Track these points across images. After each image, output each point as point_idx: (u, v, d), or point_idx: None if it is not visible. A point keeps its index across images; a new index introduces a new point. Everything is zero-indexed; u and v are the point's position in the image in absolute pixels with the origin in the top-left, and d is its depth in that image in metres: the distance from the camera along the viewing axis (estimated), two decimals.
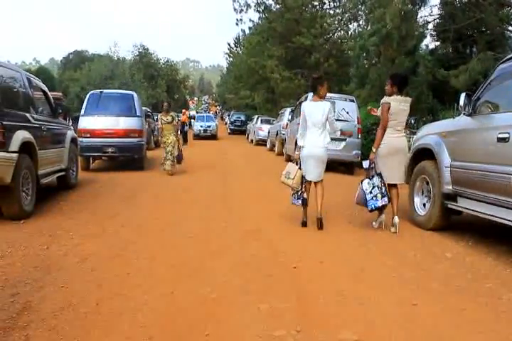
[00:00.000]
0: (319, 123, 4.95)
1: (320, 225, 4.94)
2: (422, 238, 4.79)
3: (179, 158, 9.84)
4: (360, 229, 5.09)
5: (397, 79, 4.97)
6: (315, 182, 5.09)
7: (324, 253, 4.10)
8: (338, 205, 6.23)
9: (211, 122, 26.41)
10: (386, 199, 4.86)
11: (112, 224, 4.97)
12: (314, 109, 4.97)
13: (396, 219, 4.92)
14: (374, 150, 4.92)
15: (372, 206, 4.88)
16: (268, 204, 6.51)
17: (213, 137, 25.59)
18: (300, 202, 5.13)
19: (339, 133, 5.09)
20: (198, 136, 25.16)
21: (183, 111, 25.87)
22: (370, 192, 4.87)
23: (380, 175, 4.89)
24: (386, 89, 5.01)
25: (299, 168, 5.11)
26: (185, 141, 20.61)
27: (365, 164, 5.09)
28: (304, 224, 5.04)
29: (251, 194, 7.37)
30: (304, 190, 5.11)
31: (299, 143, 5.14)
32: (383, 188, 4.87)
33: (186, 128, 22.52)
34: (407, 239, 4.75)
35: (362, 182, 4.96)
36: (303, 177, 5.09)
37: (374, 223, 5.13)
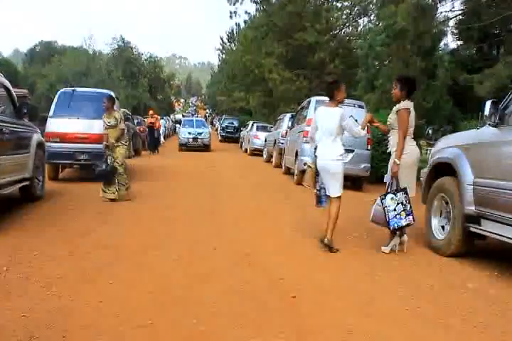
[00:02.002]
0: (329, 131, 5.08)
1: (330, 250, 5.02)
2: (440, 265, 4.81)
3: (107, 177, 7.78)
4: (369, 253, 5.11)
5: (407, 82, 5.13)
6: (331, 199, 5.16)
7: (328, 281, 4.10)
8: (345, 226, 6.25)
9: (203, 128, 23.66)
10: (411, 218, 4.97)
11: (84, 244, 4.94)
12: (326, 115, 5.13)
13: (405, 237, 5.13)
14: (398, 161, 4.99)
15: (395, 225, 4.96)
16: (264, 223, 6.52)
17: (205, 148, 23.01)
18: (324, 203, 5.25)
19: (364, 133, 5.19)
20: (184, 146, 22.74)
21: (150, 112, 22.69)
22: (394, 209, 4.95)
23: (405, 190, 5.00)
24: (393, 94, 5.18)
25: (309, 166, 5.31)
26: (152, 149, 20.55)
27: (387, 178, 5.20)
28: (326, 245, 5.07)
29: (244, 212, 7.38)
30: (319, 188, 5.24)
31: (309, 146, 5.46)
32: (408, 205, 4.99)
33: (158, 133, 21.85)
34: (422, 266, 4.77)
35: (383, 197, 5.02)
36: (318, 174, 5.23)
37: (385, 247, 5.16)
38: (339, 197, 5.14)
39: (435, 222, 5.44)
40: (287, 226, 6.29)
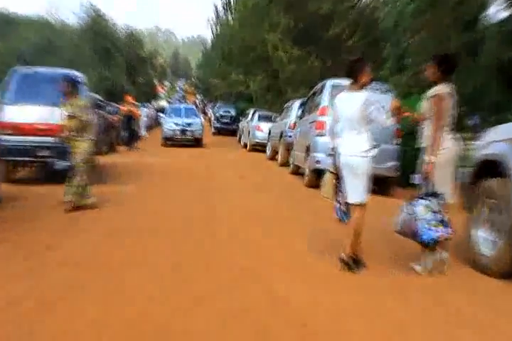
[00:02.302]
0: (352, 121, 5.07)
1: (345, 267, 5.02)
2: (487, 289, 4.80)
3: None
4: (397, 273, 5.10)
5: (444, 60, 5.15)
6: (352, 207, 5.13)
7: (346, 306, 4.10)
8: (367, 238, 6.23)
9: (193, 118, 23.30)
10: (449, 230, 4.91)
11: (48, 260, 4.95)
12: (347, 102, 5.13)
13: (445, 254, 5.04)
14: (432, 159, 4.98)
15: (428, 239, 4.91)
16: (268, 234, 6.52)
17: (196, 143, 22.74)
18: (348, 218, 5.23)
19: (390, 123, 5.16)
20: (170, 140, 22.56)
21: (127, 98, 22.35)
22: (427, 220, 4.91)
23: (441, 195, 4.98)
24: (427, 75, 5.21)
25: (330, 172, 5.34)
26: (128, 144, 20.52)
27: (417, 179, 5.19)
28: (353, 261, 5.08)
29: (244, 220, 7.38)
30: (341, 200, 5.25)
31: (331, 144, 5.46)
32: (445, 215, 4.94)
33: (136, 124, 21.70)
34: (464, 289, 4.76)
35: (412, 203, 5.02)
36: (339, 183, 5.27)
37: (416, 266, 5.15)
38: (363, 205, 5.06)
39: (480, 235, 5.41)
40: (296, 238, 6.29)
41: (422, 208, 4.95)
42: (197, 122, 23.02)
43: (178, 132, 22.41)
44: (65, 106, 7.87)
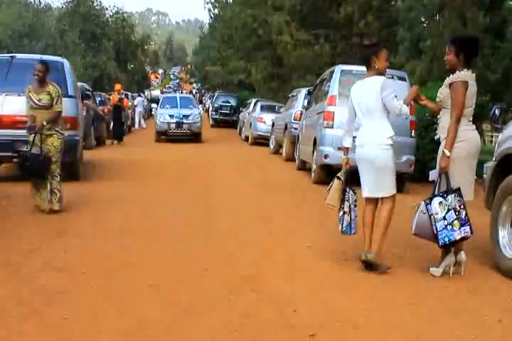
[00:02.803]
0: (371, 110, 5.09)
1: (370, 268, 5.06)
2: (510, 293, 4.80)
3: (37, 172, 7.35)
4: (414, 277, 5.10)
5: (464, 43, 5.11)
6: (381, 200, 5.19)
7: (358, 314, 4.09)
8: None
9: (191, 109, 22.76)
10: (468, 229, 4.91)
11: (28, 265, 4.95)
12: (364, 90, 5.15)
13: (463, 255, 5.08)
14: (448, 153, 4.97)
15: (446, 239, 4.92)
16: (271, 236, 6.53)
17: (194, 137, 22.03)
18: (352, 230, 5.33)
19: (406, 110, 5.12)
20: (164, 135, 21.89)
21: (117, 87, 22.92)
22: (444, 218, 4.92)
23: (457, 191, 4.96)
24: (447, 60, 5.17)
25: (337, 177, 5.32)
26: (117, 136, 20.41)
27: (433, 175, 5.18)
28: (366, 264, 5.11)
29: (245, 221, 7.39)
30: (347, 210, 5.28)
31: (344, 143, 5.41)
32: (463, 212, 4.93)
33: (126, 115, 21.59)
34: (486, 294, 4.77)
35: (428, 202, 5.01)
36: (346, 190, 5.29)
37: (434, 269, 5.15)
38: (392, 197, 5.15)
39: (504, 235, 5.41)
40: (302, 241, 6.29)
41: (437, 206, 4.96)
42: (195, 114, 22.25)
43: (173, 125, 21.52)
44: (36, 94, 7.50)
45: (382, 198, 5.17)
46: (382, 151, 5.10)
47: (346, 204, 5.31)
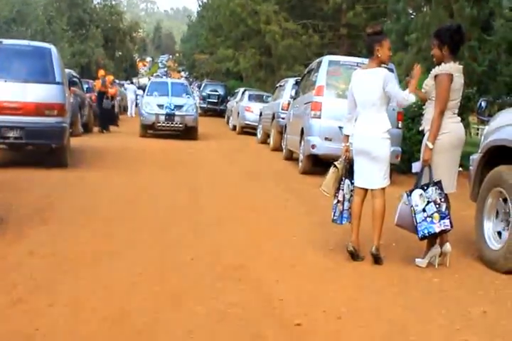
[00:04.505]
0: (371, 101, 5.07)
1: (377, 262, 5.07)
2: (495, 285, 4.81)
3: None
4: (399, 268, 5.11)
5: (447, 34, 5.07)
6: (372, 192, 5.17)
7: (343, 304, 4.10)
8: (366, 230, 6.26)
9: (184, 97, 18.81)
10: (448, 222, 4.90)
11: (13, 252, 4.93)
12: (365, 80, 5.11)
13: (448, 246, 5.10)
14: (430, 145, 4.96)
15: (426, 231, 4.92)
16: (258, 226, 6.52)
17: (188, 133, 18.06)
18: (344, 220, 5.31)
19: (413, 98, 5.06)
20: (151, 129, 18.11)
21: (101, 73, 20.57)
22: (423, 210, 4.91)
23: (438, 184, 4.95)
24: (433, 54, 5.16)
25: (334, 165, 5.30)
26: (102, 125, 19.42)
27: (416, 167, 5.18)
28: (353, 255, 5.12)
29: (232, 210, 7.37)
30: (341, 199, 5.27)
31: (344, 131, 5.41)
32: (443, 205, 4.92)
33: (109, 104, 19.62)
34: (471, 285, 4.78)
35: (408, 194, 5.02)
36: (343, 178, 5.28)
37: (420, 260, 5.17)
38: (383, 190, 5.14)
39: (489, 227, 5.43)
40: (289, 230, 6.29)
41: (417, 198, 4.96)
42: (189, 104, 18.37)
43: (162, 118, 17.44)
44: None
45: (373, 190, 5.14)
46: (380, 142, 5.07)
47: (341, 193, 5.30)
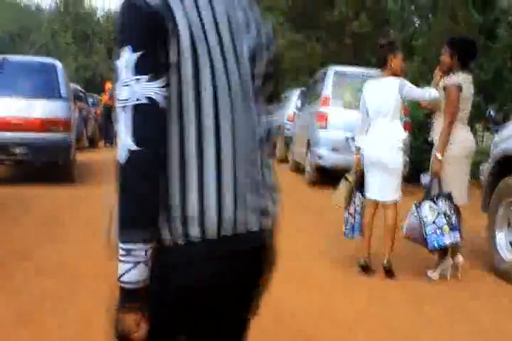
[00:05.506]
0: (384, 111, 5.07)
1: (388, 275, 5.05)
2: (509, 297, 4.81)
3: None
4: (410, 280, 5.11)
5: (460, 45, 5.10)
6: (383, 205, 5.15)
7: (355, 317, 4.10)
8: (377, 242, 6.25)
9: None
10: (457, 234, 4.87)
11: (22, 270, 4.94)
12: (378, 89, 5.12)
13: (460, 258, 5.07)
14: (440, 156, 4.94)
15: (435, 244, 4.88)
16: None
17: None
18: (355, 233, 5.26)
19: (435, 93, 5.03)
20: None
21: (108, 86, 20.56)
22: (433, 223, 4.88)
23: (448, 196, 4.92)
24: (442, 62, 5.16)
25: (345, 178, 5.29)
26: (108, 138, 19.50)
27: (425, 179, 5.16)
28: (364, 268, 5.11)
29: None
30: (352, 212, 5.25)
31: (356, 143, 5.39)
32: (453, 217, 4.89)
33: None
34: (485, 297, 4.78)
35: (418, 205, 4.99)
36: (354, 191, 5.26)
37: (431, 272, 5.15)
38: (396, 203, 5.12)
39: (501, 237, 5.41)
40: (298, 243, 6.26)
41: (427, 210, 4.93)
42: None
43: None
44: None
45: (385, 203, 5.13)
46: (394, 153, 5.06)
47: (352, 206, 5.28)
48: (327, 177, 10.07)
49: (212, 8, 1.43)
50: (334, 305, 4.36)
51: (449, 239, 4.87)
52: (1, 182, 10.18)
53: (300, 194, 10.07)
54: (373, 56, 18.45)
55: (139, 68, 1.29)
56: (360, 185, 5.28)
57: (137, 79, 1.29)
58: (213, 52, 1.39)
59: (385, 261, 5.02)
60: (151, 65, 1.31)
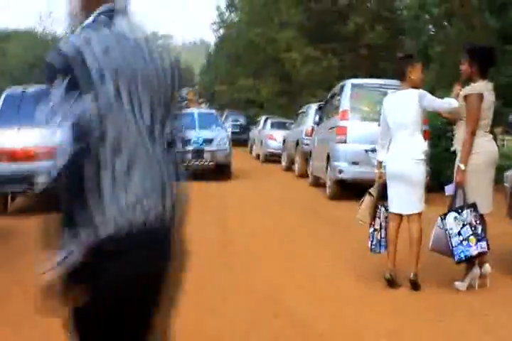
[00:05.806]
0: (405, 123, 5.06)
1: (414, 287, 4.99)
2: None
3: None
4: (438, 292, 5.04)
5: (479, 53, 5.08)
6: (407, 218, 5.12)
7: (387, 333, 4.05)
8: (402, 255, 6.18)
9: (215, 130, 16.02)
10: (484, 244, 4.83)
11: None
12: (398, 102, 5.13)
13: (487, 267, 5.00)
14: (463, 166, 4.89)
15: (462, 255, 4.84)
16: (292, 257, 6.45)
17: (220, 172, 15.32)
18: (382, 248, 5.24)
19: (455, 102, 5.01)
20: None
21: None
22: (459, 234, 4.84)
23: (473, 206, 4.88)
24: (462, 71, 5.13)
25: (369, 193, 5.28)
26: None
27: (449, 190, 5.11)
28: (390, 282, 5.06)
29: (264, 241, 7.32)
30: (378, 227, 5.22)
31: (378, 157, 5.42)
32: (479, 227, 4.85)
33: None
34: (510, 306, 4.69)
35: (443, 218, 4.95)
36: (378, 206, 5.24)
37: (459, 283, 5.07)
38: (419, 215, 5.08)
39: None
40: (322, 259, 6.22)
41: (452, 221, 4.90)
42: (221, 137, 15.70)
43: (188, 155, 13.99)
44: None
45: (409, 216, 5.08)
46: (416, 165, 5.05)
47: (377, 221, 5.26)
48: (348, 190, 10.01)
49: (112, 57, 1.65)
50: (362, 323, 4.30)
51: (476, 249, 4.83)
52: (23, 212, 10.23)
53: (322, 209, 10.03)
54: (390, 66, 18.47)
55: None
56: (382, 199, 5.24)
57: None
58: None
59: (412, 275, 4.96)
60: None
